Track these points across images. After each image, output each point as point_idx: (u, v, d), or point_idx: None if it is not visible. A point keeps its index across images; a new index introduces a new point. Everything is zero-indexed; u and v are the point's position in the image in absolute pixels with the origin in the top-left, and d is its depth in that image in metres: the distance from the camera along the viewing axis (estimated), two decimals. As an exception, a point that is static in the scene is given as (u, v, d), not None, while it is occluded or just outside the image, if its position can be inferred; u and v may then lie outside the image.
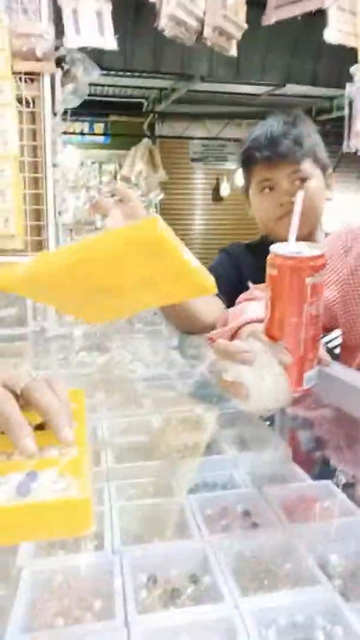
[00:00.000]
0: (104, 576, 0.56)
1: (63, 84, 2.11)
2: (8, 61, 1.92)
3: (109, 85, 5.75)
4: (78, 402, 0.79)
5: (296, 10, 2.26)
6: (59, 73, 2.08)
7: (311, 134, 1.37)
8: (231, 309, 0.88)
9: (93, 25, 2.11)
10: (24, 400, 0.52)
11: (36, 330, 1.54)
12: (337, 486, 0.71)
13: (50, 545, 0.61)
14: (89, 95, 2.29)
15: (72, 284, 0.58)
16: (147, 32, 2.96)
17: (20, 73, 1.98)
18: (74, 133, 6.46)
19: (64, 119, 2.19)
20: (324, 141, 1.41)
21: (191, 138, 7.10)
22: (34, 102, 2.03)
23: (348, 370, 0.79)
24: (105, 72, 2.79)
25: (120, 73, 4.76)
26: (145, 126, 6.80)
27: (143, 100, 6.63)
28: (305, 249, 0.60)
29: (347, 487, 0.75)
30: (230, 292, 1.00)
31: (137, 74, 4.94)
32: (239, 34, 2.33)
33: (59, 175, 2.12)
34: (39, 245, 1.97)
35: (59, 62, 2.11)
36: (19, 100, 1.99)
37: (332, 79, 4.44)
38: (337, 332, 1.09)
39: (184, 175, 7.22)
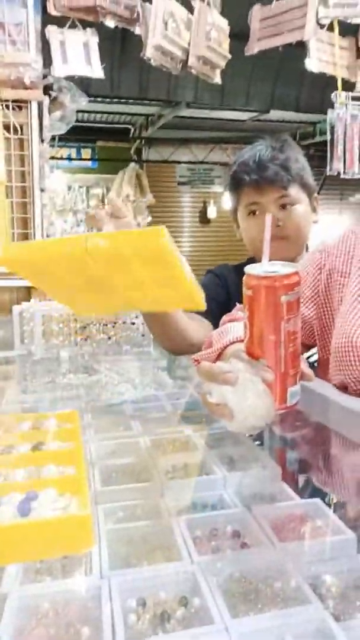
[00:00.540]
0: (92, 601, 0.55)
1: (50, 111, 2.15)
2: (-4, 89, 1.96)
3: (97, 112, 5.84)
4: (73, 423, 0.79)
5: (277, 42, 2.34)
6: (46, 100, 2.12)
7: (299, 159, 1.39)
8: (215, 331, 0.89)
9: (80, 55, 2.16)
10: None
11: (23, 353, 1.53)
12: (327, 504, 0.71)
13: (36, 571, 0.59)
14: (77, 121, 2.34)
15: (68, 273, 0.59)
16: (134, 60, 3.02)
17: (8, 101, 2.02)
18: (61, 158, 6.53)
19: (52, 145, 2.22)
20: (308, 165, 1.44)
21: (178, 162, 7.21)
22: (21, 129, 2.06)
23: (326, 385, 0.79)
24: (92, 99, 2.85)
25: (108, 100, 4.85)
26: (132, 151, 6.90)
27: (130, 126, 6.74)
28: (279, 268, 0.61)
29: (336, 506, 0.74)
30: (217, 312, 1.01)
31: (123, 100, 5.03)
32: (222, 63, 2.39)
33: (47, 200, 2.14)
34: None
35: (47, 89, 2.15)
36: (7, 128, 2.02)
37: (315, 105, 4.56)
38: (316, 349, 1.10)
39: (171, 198, 7.31)
